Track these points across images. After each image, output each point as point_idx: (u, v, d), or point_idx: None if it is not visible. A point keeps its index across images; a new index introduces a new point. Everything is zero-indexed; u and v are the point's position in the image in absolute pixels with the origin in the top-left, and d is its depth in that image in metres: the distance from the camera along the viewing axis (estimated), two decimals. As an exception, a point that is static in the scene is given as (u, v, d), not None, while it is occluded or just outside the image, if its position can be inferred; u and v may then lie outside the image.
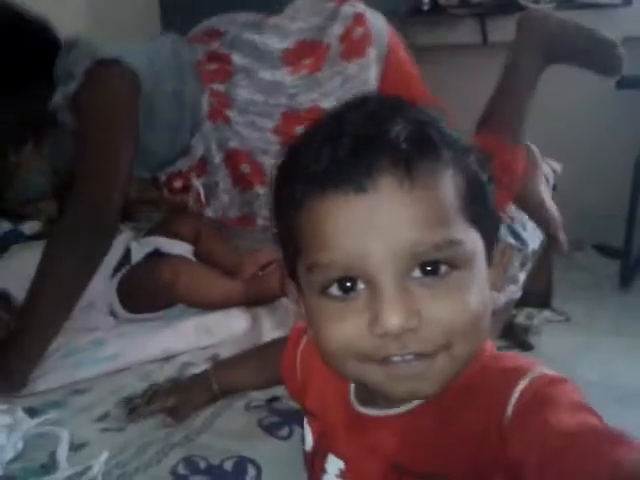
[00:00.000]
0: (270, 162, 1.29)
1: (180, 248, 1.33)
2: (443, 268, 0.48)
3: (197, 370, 1.01)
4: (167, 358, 1.10)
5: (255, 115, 1.30)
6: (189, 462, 0.81)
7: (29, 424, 0.90)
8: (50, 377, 1.05)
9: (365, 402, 0.58)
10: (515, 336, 1.53)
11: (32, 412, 0.94)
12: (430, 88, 2.70)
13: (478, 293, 0.49)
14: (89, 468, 0.80)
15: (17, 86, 1.20)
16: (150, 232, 1.37)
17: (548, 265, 1.60)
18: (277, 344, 0.79)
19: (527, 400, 0.47)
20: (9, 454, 0.84)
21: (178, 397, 0.93)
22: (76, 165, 1.13)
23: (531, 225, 1.43)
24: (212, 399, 0.93)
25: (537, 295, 1.60)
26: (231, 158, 1.32)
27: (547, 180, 1.60)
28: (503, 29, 2.67)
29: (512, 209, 1.39)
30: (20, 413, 0.92)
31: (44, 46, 1.21)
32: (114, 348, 1.13)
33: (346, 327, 0.49)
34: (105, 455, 0.81)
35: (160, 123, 1.25)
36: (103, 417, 0.93)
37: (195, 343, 1.13)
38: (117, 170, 1.11)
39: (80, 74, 1.15)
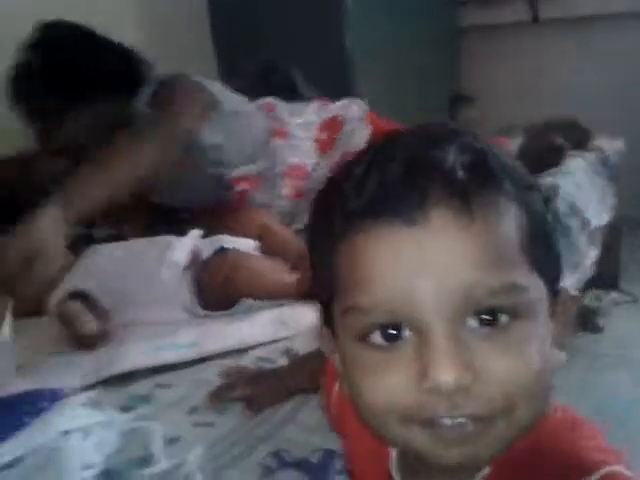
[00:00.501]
0: None
1: (245, 244, 1.36)
2: (503, 318, 0.42)
3: (271, 365, 1.04)
4: (242, 352, 1.13)
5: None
6: (277, 456, 0.84)
7: (122, 420, 0.95)
8: (132, 358, 1.11)
9: (409, 475, 0.51)
10: (583, 318, 1.52)
11: (123, 409, 0.98)
12: (480, 68, 2.67)
13: (541, 349, 0.43)
14: (184, 462, 0.84)
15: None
16: (214, 231, 1.41)
17: (615, 246, 1.58)
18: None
19: None
20: (107, 449, 0.89)
21: (256, 388, 0.96)
22: None
23: (595, 201, 1.42)
24: (287, 395, 0.96)
25: (605, 276, 1.58)
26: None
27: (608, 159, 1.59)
28: (554, 6, 2.63)
29: (570, 186, 1.40)
30: (112, 410, 0.97)
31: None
32: (192, 336, 1.18)
33: (389, 381, 0.42)
34: (199, 449, 0.85)
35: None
36: (192, 411, 0.96)
37: (272, 335, 1.16)
38: None
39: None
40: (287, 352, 1.12)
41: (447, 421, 0.41)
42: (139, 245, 1.36)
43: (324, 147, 1.61)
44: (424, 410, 0.41)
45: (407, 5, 2.43)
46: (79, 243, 1.49)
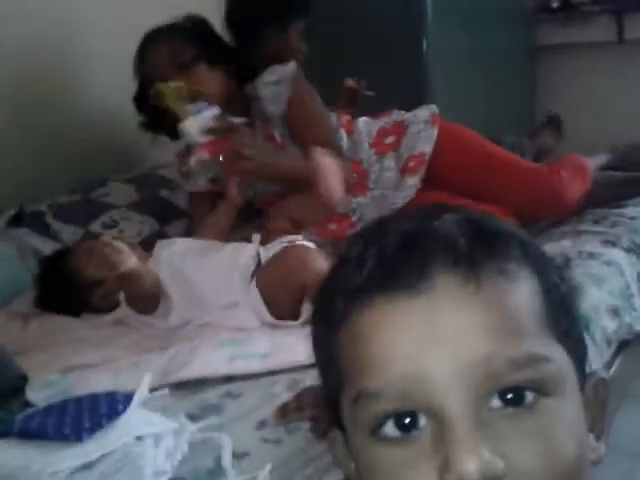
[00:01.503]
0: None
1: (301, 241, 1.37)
2: (529, 395, 0.37)
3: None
4: (313, 366, 1.13)
5: None
6: (348, 480, 0.84)
7: (192, 429, 0.96)
8: (206, 365, 1.13)
9: None
10: None
11: (193, 417, 0.99)
12: (559, 90, 2.62)
13: (576, 431, 0.38)
14: (255, 478, 0.84)
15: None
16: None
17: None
18: None
19: None
20: (178, 457, 0.90)
21: (322, 409, 0.96)
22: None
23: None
24: None
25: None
26: None
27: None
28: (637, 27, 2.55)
29: None
30: (183, 418, 0.98)
31: None
32: (265, 347, 1.19)
33: None
34: (269, 467, 0.85)
35: None
36: (261, 426, 0.97)
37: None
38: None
39: None
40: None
41: None
42: (211, 245, 1.38)
43: (381, 150, 1.65)
44: None
45: (487, 19, 2.41)
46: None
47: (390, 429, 0.38)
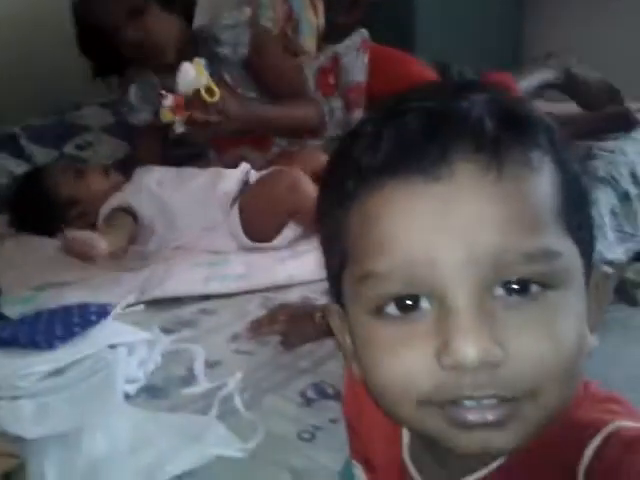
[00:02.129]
0: None
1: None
2: (534, 287, 0.37)
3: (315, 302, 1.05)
4: (288, 288, 1.14)
5: None
6: (318, 387, 0.86)
7: (165, 341, 0.97)
8: (182, 285, 1.14)
9: (421, 462, 0.46)
10: (623, 292, 1.49)
11: (167, 330, 1.01)
12: (548, 28, 2.54)
13: (578, 326, 0.38)
14: (225, 385, 0.86)
15: None
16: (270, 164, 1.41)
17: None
18: None
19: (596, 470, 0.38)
20: (150, 366, 0.91)
21: (293, 325, 0.98)
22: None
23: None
24: (323, 335, 0.95)
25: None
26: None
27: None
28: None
29: (634, 153, 1.38)
30: (157, 330, 0.99)
31: None
32: (241, 269, 1.20)
33: (406, 360, 0.37)
34: (239, 375, 0.87)
35: None
36: (234, 339, 0.98)
37: (320, 274, 1.16)
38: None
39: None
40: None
41: (469, 403, 0.36)
42: (189, 172, 1.37)
43: (327, 91, 1.62)
44: (444, 390, 0.37)
45: None
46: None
47: (392, 309, 0.38)
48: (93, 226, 1.31)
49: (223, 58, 1.48)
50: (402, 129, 0.38)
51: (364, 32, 1.69)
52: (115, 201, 1.26)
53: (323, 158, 1.39)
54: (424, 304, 0.37)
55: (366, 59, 1.63)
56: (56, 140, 1.65)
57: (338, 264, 0.42)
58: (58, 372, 0.87)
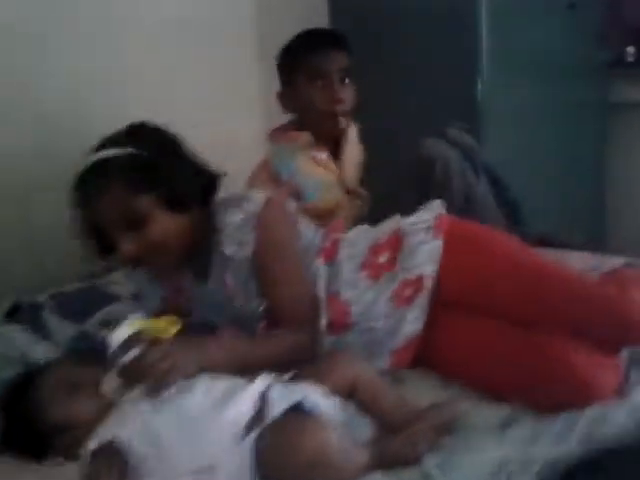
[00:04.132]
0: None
1: (328, 403, 1.05)
2: None
3: None
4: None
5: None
6: None
7: None
8: None
9: None
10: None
11: None
12: (633, 150, 2.38)
13: None
14: None
15: None
16: (297, 374, 1.12)
17: None
18: None
19: None
20: None
21: None
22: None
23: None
24: None
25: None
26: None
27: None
28: None
29: None
30: None
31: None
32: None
33: None
34: None
35: None
36: None
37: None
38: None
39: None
40: None
41: None
42: (195, 397, 1.06)
43: (375, 273, 1.31)
44: None
45: (555, 73, 2.25)
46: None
47: None
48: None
49: (228, 257, 1.28)
50: None
51: (438, 205, 1.36)
52: (99, 439, 1.07)
53: (359, 368, 1.14)
54: None
55: (439, 245, 1.27)
56: (80, 312, 1.52)
57: None
58: None
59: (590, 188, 2.56)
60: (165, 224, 1.23)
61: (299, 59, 1.64)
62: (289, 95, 1.67)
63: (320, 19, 2.25)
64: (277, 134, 1.73)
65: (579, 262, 1.59)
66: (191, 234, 1.27)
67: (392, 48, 2.15)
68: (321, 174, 1.68)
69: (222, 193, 1.31)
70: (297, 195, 1.61)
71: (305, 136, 1.67)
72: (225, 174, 1.32)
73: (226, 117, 2.07)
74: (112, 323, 1.45)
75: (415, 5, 2.10)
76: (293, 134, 1.68)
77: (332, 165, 1.70)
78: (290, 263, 1.29)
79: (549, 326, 1.15)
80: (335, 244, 1.37)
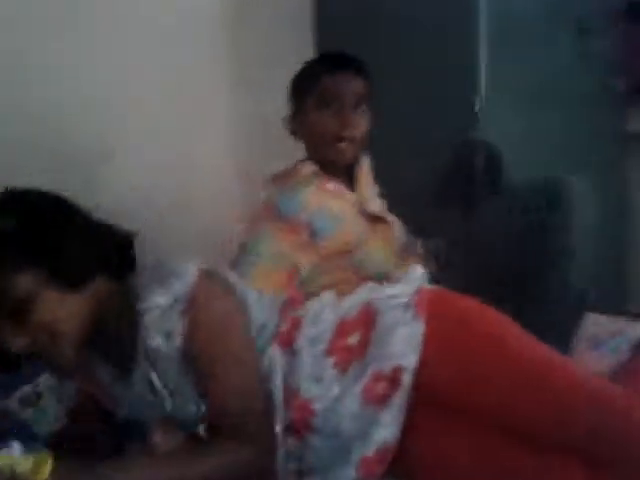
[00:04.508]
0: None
1: None
2: None
3: None
4: None
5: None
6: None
7: None
8: None
9: None
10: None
11: None
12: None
13: None
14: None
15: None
16: None
17: None
18: None
19: None
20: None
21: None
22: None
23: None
24: None
25: None
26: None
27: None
28: None
29: None
30: None
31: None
32: None
33: None
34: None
35: None
36: None
37: None
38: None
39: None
40: None
41: None
42: None
43: (342, 361, 1.08)
44: None
45: (570, 102, 2.11)
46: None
47: None
48: None
49: (154, 350, 1.04)
50: None
51: (419, 275, 1.23)
52: None
53: None
54: None
55: (421, 329, 1.05)
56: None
57: None
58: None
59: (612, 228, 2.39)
60: (53, 305, 1.00)
61: (312, 81, 1.48)
62: (298, 120, 1.49)
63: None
64: (278, 175, 1.50)
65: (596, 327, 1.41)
66: (93, 316, 1.04)
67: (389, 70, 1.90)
68: (334, 205, 1.42)
69: (149, 261, 1.07)
70: (308, 234, 1.37)
71: (308, 166, 1.45)
72: (138, 235, 1.09)
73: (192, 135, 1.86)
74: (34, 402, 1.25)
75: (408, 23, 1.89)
76: (294, 168, 1.47)
77: (347, 194, 1.47)
78: (232, 354, 1.05)
79: (563, 444, 0.90)
80: (294, 325, 1.13)
